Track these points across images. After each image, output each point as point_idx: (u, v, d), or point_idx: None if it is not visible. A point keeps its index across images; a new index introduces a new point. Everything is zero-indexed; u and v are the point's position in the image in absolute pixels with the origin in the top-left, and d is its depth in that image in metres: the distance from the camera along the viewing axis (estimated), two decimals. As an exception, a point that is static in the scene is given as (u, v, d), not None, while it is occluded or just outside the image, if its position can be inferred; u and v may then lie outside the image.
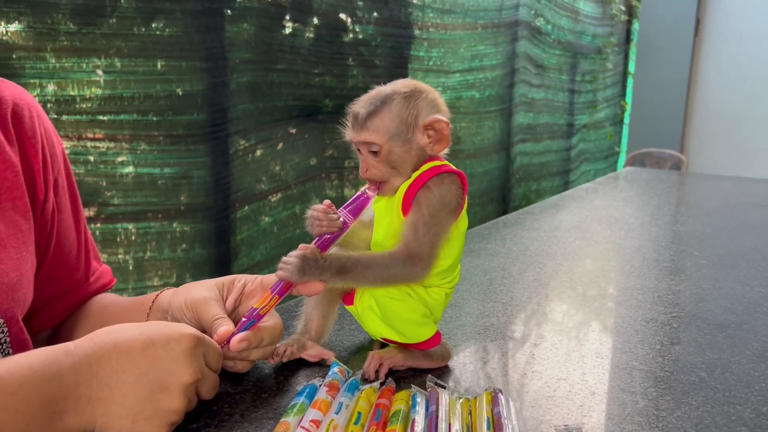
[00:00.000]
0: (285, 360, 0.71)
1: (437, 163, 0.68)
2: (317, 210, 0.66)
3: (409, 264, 0.65)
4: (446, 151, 0.71)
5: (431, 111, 0.68)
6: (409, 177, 0.68)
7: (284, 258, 0.64)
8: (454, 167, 0.68)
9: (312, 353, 0.72)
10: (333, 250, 0.67)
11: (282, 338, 0.71)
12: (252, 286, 0.70)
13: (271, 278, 0.66)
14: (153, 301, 0.73)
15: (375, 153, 0.67)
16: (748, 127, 4.40)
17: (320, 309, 0.74)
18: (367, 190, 0.68)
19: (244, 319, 0.63)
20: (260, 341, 0.64)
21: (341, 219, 0.66)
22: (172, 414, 0.54)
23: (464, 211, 0.69)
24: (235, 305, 0.69)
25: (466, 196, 0.69)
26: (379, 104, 0.66)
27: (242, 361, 0.66)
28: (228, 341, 0.62)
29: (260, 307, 0.63)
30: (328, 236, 0.66)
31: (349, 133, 0.68)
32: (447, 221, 0.67)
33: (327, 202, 0.67)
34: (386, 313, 0.68)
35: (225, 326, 0.62)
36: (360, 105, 0.68)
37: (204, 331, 0.61)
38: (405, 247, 0.65)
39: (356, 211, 0.68)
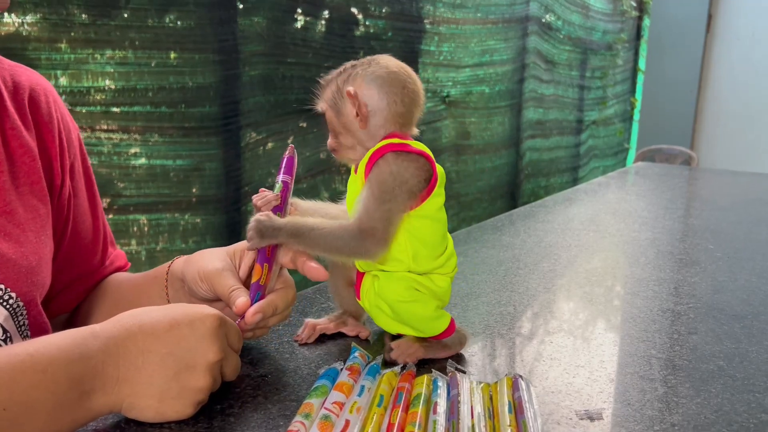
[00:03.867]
0: (329, 333, 0.75)
1: (396, 140, 0.65)
2: (254, 197, 0.68)
3: (360, 238, 0.63)
4: (415, 132, 0.68)
5: (363, 83, 0.65)
6: (367, 150, 0.66)
7: (248, 226, 0.65)
8: (416, 147, 0.65)
9: (349, 328, 0.76)
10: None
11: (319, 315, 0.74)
12: None
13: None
14: (167, 272, 0.74)
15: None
16: (760, 125, 4.38)
17: (346, 291, 0.75)
18: (287, 152, 0.72)
19: (250, 294, 0.64)
20: (275, 309, 0.64)
21: (278, 188, 0.68)
22: (198, 392, 0.54)
23: (440, 189, 0.66)
24: (249, 272, 0.69)
25: (437, 178, 0.65)
26: (335, 75, 0.68)
27: (260, 329, 0.67)
28: (243, 315, 0.62)
29: (257, 279, 0.64)
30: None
31: None
32: (402, 199, 0.64)
33: (261, 189, 0.68)
34: (400, 315, 0.67)
35: (242, 297, 0.63)
36: None
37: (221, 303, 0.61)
38: (357, 221, 0.63)
39: (288, 170, 0.70)
